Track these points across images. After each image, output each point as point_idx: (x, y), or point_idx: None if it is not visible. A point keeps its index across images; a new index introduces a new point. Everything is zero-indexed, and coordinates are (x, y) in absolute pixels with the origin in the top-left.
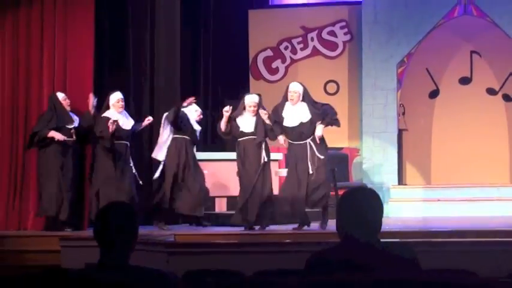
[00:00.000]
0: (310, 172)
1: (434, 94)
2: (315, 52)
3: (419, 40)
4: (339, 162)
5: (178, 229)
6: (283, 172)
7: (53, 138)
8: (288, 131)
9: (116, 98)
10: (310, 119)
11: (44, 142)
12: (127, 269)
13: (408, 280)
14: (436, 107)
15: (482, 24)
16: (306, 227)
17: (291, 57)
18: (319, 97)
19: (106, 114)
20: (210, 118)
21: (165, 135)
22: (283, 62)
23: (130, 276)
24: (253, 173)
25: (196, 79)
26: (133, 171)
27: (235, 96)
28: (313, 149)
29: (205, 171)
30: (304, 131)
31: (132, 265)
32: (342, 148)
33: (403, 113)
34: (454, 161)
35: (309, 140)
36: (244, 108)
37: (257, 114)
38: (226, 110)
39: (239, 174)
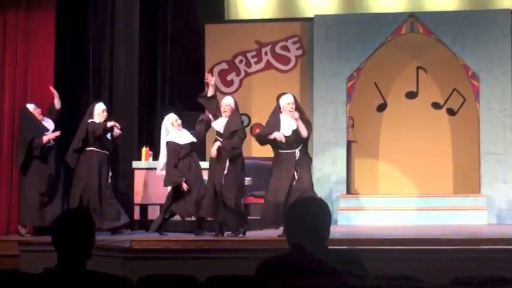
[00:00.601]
0: (296, 177)
1: (382, 107)
2: (269, 66)
3: (368, 56)
4: None
5: (134, 235)
6: None
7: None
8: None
9: (100, 108)
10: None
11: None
12: (84, 273)
13: (355, 286)
14: (384, 120)
15: (428, 41)
16: None
17: (245, 71)
18: (271, 109)
19: (91, 120)
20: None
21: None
22: (238, 75)
23: (87, 281)
24: None
25: (153, 90)
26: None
27: (192, 107)
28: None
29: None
30: (294, 139)
31: (88, 270)
32: None
33: (352, 126)
34: (400, 172)
35: (297, 149)
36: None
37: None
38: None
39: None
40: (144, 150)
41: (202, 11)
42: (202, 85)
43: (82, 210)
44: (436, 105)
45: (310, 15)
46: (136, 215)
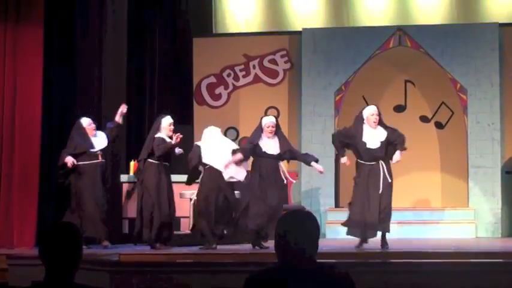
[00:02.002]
0: (380, 192)
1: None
2: (257, 79)
3: (357, 69)
4: None
5: (123, 249)
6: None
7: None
8: (364, 153)
9: (167, 122)
10: (385, 141)
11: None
12: (72, 287)
13: None
14: None
15: (416, 54)
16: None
17: (233, 84)
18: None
19: (159, 135)
20: None
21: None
22: (226, 88)
23: None
24: None
25: (142, 104)
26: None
27: (180, 121)
28: (385, 170)
29: None
30: (380, 152)
31: (76, 283)
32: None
33: None
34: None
35: (381, 161)
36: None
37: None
38: None
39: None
40: (132, 163)
41: (190, 25)
42: (190, 98)
43: (70, 224)
44: (424, 119)
45: (298, 28)
46: (125, 229)
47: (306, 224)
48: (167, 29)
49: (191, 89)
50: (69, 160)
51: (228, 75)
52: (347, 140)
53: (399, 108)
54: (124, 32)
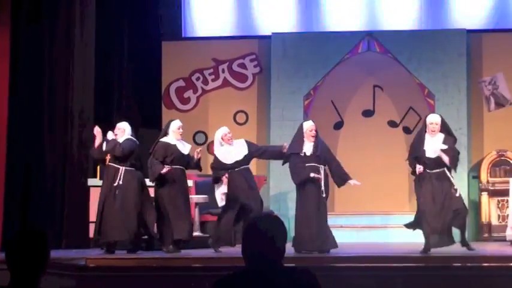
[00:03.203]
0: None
1: (338, 125)
2: (226, 83)
3: (325, 74)
4: None
5: (89, 253)
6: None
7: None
8: (426, 161)
9: (176, 125)
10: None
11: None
12: None
13: None
14: (341, 138)
15: (384, 60)
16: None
17: (202, 88)
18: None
19: (165, 139)
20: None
21: None
22: (195, 92)
23: None
24: None
25: (110, 107)
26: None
27: (149, 125)
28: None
29: None
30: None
31: None
32: None
33: None
34: (357, 190)
35: (445, 168)
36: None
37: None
38: None
39: None
40: (99, 167)
41: (159, 28)
42: (159, 102)
43: (37, 230)
44: (392, 124)
45: (268, 33)
46: (92, 233)
47: (273, 229)
48: (136, 33)
49: (160, 93)
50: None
51: (197, 79)
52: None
53: (367, 113)
54: (92, 36)
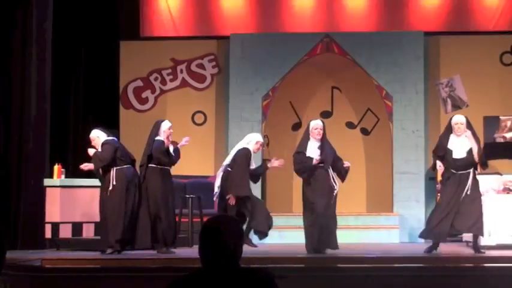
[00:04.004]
0: (467, 195)
1: (297, 126)
2: (184, 84)
3: (284, 75)
4: (204, 190)
5: (45, 254)
6: None
7: None
8: (453, 161)
9: (166, 125)
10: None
11: None
12: None
13: None
14: (299, 139)
15: (342, 61)
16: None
17: (160, 88)
18: (187, 127)
19: (158, 138)
20: (80, 146)
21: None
22: (153, 92)
23: None
24: None
25: (67, 107)
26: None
27: (106, 124)
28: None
29: None
30: (469, 160)
31: None
32: (208, 176)
33: (268, 144)
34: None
35: (471, 169)
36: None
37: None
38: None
39: None
40: (56, 167)
41: (116, 28)
42: (117, 102)
43: None
44: (350, 125)
45: (227, 33)
46: (48, 234)
47: (229, 229)
48: (94, 32)
49: (118, 93)
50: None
51: (155, 79)
52: None
53: (326, 114)
54: (49, 35)
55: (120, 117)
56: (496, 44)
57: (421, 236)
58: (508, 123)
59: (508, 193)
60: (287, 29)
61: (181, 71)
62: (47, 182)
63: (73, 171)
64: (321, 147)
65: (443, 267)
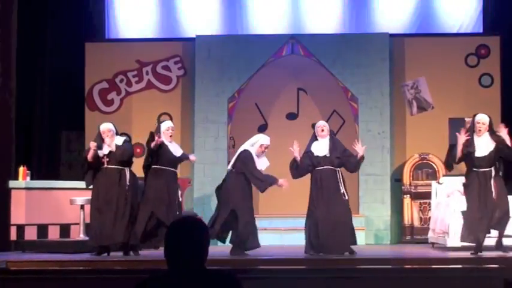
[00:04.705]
0: (494, 196)
1: (262, 128)
2: (150, 85)
3: (250, 76)
4: None
5: (10, 256)
6: None
7: None
8: (475, 160)
9: (165, 126)
10: (495, 149)
11: None
12: None
13: None
14: None
15: (308, 63)
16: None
17: (126, 90)
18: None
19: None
20: (45, 148)
21: None
22: (119, 94)
23: None
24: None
25: (32, 109)
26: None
27: (72, 126)
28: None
29: None
30: (492, 158)
31: None
32: None
33: (233, 146)
34: (280, 192)
35: (492, 168)
36: None
37: None
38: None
39: None
40: (21, 169)
41: (82, 29)
42: (82, 104)
43: None
44: None
45: (192, 35)
46: (13, 236)
47: (194, 232)
48: (58, 33)
49: (83, 94)
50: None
51: (121, 80)
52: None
53: (291, 116)
54: (14, 36)
55: (86, 119)
56: (461, 45)
57: (462, 239)
58: None
59: None
60: (253, 31)
61: (147, 73)
62: (12, 184)
63: (38, 174)
64: (328, 147)
65: (410, 268)
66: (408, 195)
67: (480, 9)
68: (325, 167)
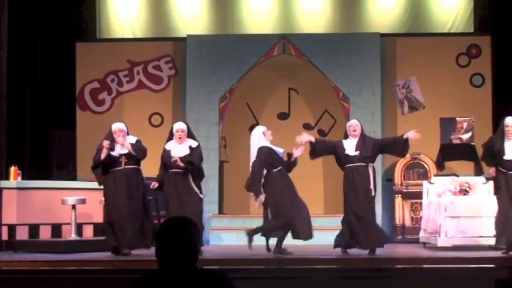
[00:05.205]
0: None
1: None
2: (141, 85)
3: (241, 76)
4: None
5: (1, 256)
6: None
7: None
8: (505, 163)
9: (174, 128)
10: None
11: None
12: None
13: None
14: None
15: (300, 63)
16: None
17: (117, 90)
18: (144, 129)
19: (167, 145)
20: (37, 148)
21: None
22: (110, 94)
23: None
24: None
25: (23, 110)
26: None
27: (63, 126)
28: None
29: None
30: None
31: None
32: None
33: (225, 146)
34: None
35: None
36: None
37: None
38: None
39: None
40: (12, 169)
41: (73, 29)
42: (73, 103)
43: None
44: (307, 126)
45: (183, 35)
46: (4, 236)
47: (185, 231)
48: (50, 33)
49: (74, 94)
50: None
51: (112, 80)
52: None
53: (283, 116)
54: (4, 36)
55: (77, 119)
56: (453, 45)
57: (497, 243)
58: (464, 125)
59: (464, 194)
60: (244, 30)
61: (138, 73)
62: (3, 183)
63: (30, 174)
64: (358, 145)
65: (402, 268)
66: (399, 195)
67: (471, 8)
68: (356, 164)
